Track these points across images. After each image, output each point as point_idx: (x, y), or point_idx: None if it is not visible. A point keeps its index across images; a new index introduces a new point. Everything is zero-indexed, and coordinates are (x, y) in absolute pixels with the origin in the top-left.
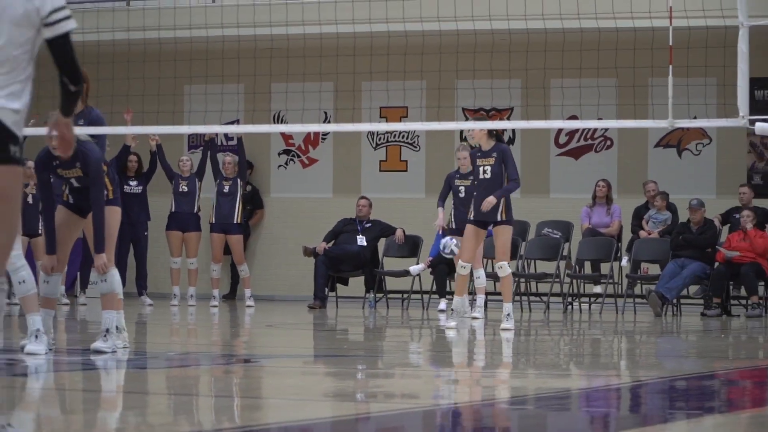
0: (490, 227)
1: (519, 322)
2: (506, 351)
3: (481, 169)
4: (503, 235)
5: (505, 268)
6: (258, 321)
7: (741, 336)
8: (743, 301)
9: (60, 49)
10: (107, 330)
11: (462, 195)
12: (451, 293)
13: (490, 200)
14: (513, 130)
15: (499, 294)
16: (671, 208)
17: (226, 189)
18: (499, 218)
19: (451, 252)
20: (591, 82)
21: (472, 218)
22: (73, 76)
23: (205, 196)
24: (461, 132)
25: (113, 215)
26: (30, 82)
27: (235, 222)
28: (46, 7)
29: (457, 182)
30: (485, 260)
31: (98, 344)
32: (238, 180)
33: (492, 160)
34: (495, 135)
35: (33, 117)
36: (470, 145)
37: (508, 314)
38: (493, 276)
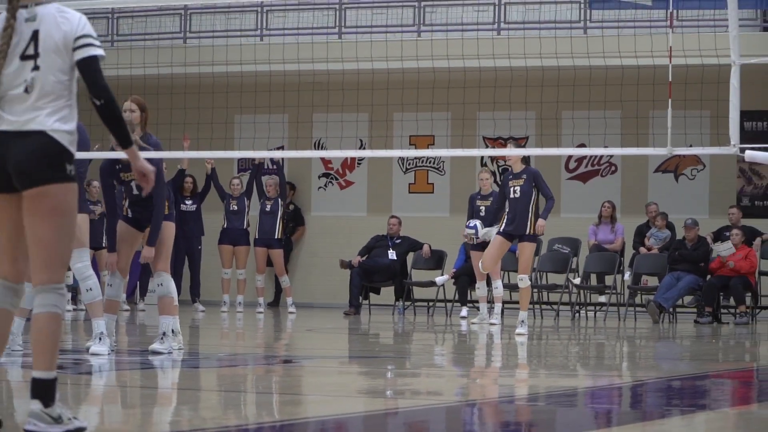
0: (515, 243)
1: (532, 327)
2: (520, 353)
3: (511, 189)
4: (527, 250)
5: (525, 280)
6: (299, 326)
7: (730, 341)
8: (732, 310)
9: (86, 69)
10: (164, 333)
11: (482, 214)
12: (473, 302)
13: (542, 224)
14: (528, 157)
15: (516, 303)
16: (670, 226)
17: (268, 208)
18: (527, 231)
19: (474, 228)
20: (598, 113)
21: (502, 230)
22: (97, 93)
23: (251, 214)
24: (482, 158)
25: (168, 229)
26: (75, 104)
27: (276, 237)
28: (75, 32)
29: (479, 202)
30: (503, 272)
31: (156, 346)
32: (279, 200)
33: (522, 181)
34: (526, 159)
35: (97, 143)
36: (491, 170)
37: (523, 321)
38: (510, 287)
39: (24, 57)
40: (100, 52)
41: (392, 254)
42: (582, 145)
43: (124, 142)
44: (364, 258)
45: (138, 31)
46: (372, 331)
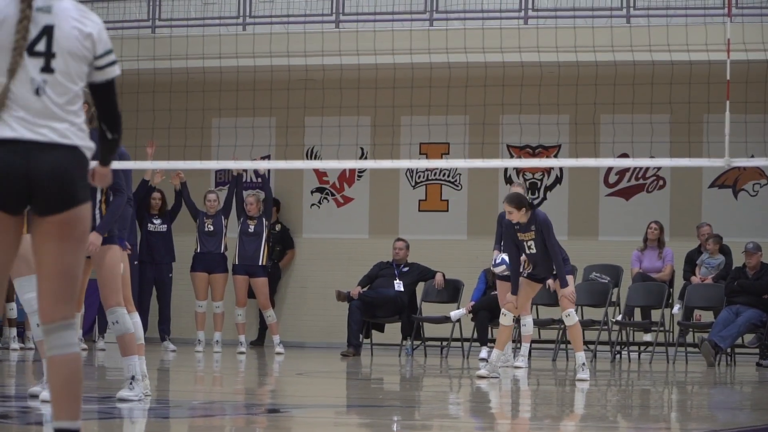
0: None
1: (564, 371)
2: (551, 402)
3: (525, 244)
4: (568, 283)
5: (572, 316)
6: (287, 369)
7: None
8: None
9: (106, 94)
10: (132, 377)
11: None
12: (493, 341)
13: (570, 293)
14: (561, 169)
15: (544, 342)
16: (725, 251)
17: (251, 229)
18: (553, 271)
19: (502, 262)
20: (644, 118)
21: (526, 275)
22: (113, 123)
23: (230, 236)
24: (506, 170)
25: (115, 255)
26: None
27: (260, 264)
28: (100, 46)
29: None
30: (533, 306)
31: (124, 392)
32: (264, 219)
33: (533, 234)
34: (529, 205)
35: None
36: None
37: (583, 364)
38: (539, 323)
39: (32, 53)
40: (118, 71)
41: (399, 285)
42: (624, 155)
43: (107, 161)
44: (365, 289)
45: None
46: (374, 376)
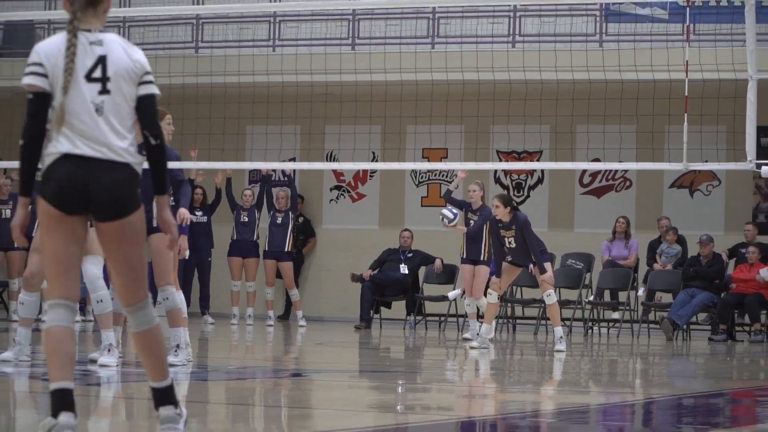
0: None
1: (543, 344)
2: (532, 370)
3: (506, 240)
4: (546, 269)
5: (552, 296)
6: (309, 339)
7: (744, 359)
8: (747, 328)
9: (148, 106)
10: (177, 345)
11: (472, 228)
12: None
13: (548, 277)
14: (542, 171)
15: (527, 318)
16: (681, 241)
17: (279, 220)
18: (533, 258)
19: (445, 218)
20: (613, 128)
21: (509, 261)
22: (154, 131)
23: (261, 226)
24: (495, 172)
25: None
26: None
27: (286, 250)
28: (144, 67)
29: (469, 215)
30: (518, 288)
31: (171, 358)
32: (290, 212)
33: (513, 232)
34: (513, 207)
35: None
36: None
37: (561, 337)
38: (523, 302)
39: (90, 79)
40: (158, 91)
41: (404, 268)
42: (596, 160)
43: (161, 189)
44: (375, 272)
45: (150, 41)
46: (383, 346)
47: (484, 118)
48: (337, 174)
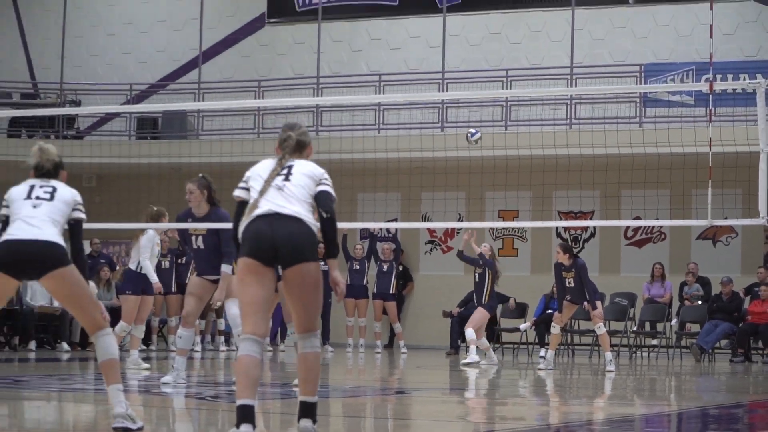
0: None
1: (596, 365)
2: (588, 386)
3: (566, 280)
4: (597, 306)
5: (602, 328)
6: (409, 364)
7: (759, 377)
8: (761, 352)
9: (323, 197)
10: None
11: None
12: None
13: (599, 314)
14: (594, 227)
15: (583, 345)
16: (705, 282)
17: (385, 268)
18: (587, 299)
19: (473, 136)
20: (651, 192)
21: (568, 299)
22: (326, 208)
23: (370, 273)
24: (556, 228)
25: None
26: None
27: (390, 292)
28: (321, 175)
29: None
30: (574, 321)
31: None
32: (393, 262)
33: (573, 274)
34: (572, 254)
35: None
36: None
37: (610, 360)
38: (580, 332)
39: (278, 174)
40: (332, 192)
41: None
42: (638, 218)
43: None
44: (461, 309)
45: (278, 125)
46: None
47: (548, 185)
48: (431, 231)
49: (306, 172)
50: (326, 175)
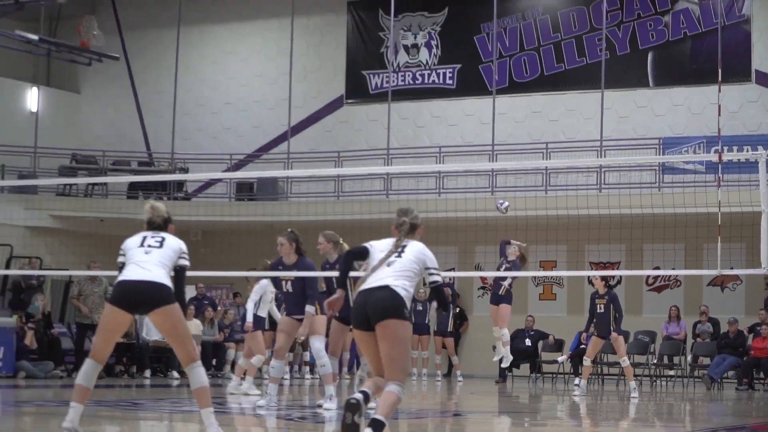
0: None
1: (622, 392)
2: (615, 410)
3: (598, 305)
4: (621, 341)
5: (626, 360)
6: (464, 390)
7: (761, 402)
8: (762, 381)
9: (437, 291)
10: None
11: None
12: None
13: (620, 341)
14: (621, 276)
15: (610, 374)
16: (715, 322)
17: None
18: (612, 329)
19: (502, 205)
20: (669, 246)
21: (596, 334)
22: (443, 302)
23: (431, 314)
24: (588, 277)
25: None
26: (414, 288)
27: (449, 330)
28: (430, 263)
29: (597, 300)
30: (603, 354)
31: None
32: (451, 305)
33: (605, 301)
34: (609, 284)
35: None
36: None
37: (634, 388)
38: (608, 364)
39: (393, 253)
40: (440, 280)
41: (528, 341)
42: (657, 268)
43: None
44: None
45: (356, 189)
46: (514, 394)
47: (581, 240)
48: (483, 278)
49: (415, 252)
50: (433, 259)
